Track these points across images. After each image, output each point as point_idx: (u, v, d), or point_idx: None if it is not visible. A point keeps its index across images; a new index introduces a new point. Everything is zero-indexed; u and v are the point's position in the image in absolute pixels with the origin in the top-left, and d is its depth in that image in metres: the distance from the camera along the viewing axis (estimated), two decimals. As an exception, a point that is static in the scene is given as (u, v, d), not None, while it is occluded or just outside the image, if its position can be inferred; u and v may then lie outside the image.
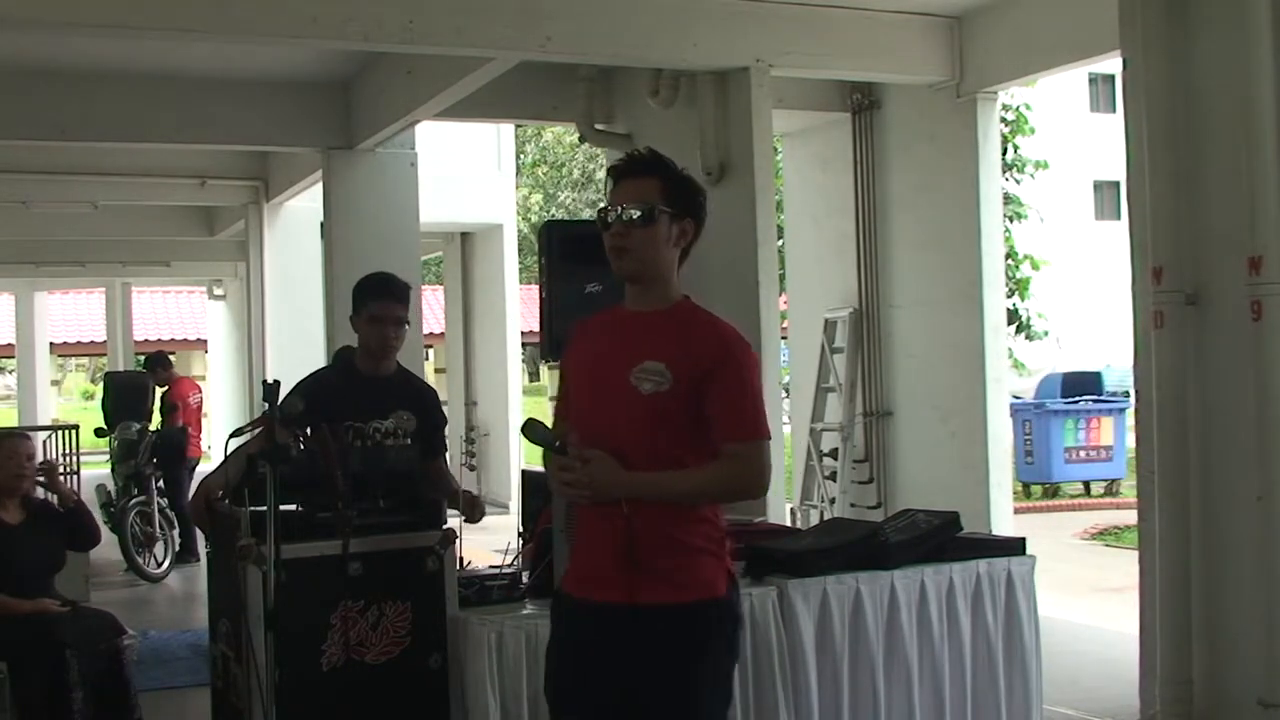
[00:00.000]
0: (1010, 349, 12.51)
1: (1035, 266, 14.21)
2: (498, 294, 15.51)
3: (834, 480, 8.75)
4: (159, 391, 11.87)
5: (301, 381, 4.71)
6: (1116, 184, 27.82)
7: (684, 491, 3.17)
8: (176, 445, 11.28)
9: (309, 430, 3.89)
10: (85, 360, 39.55)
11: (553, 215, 28.77)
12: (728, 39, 7.07)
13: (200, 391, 12.55)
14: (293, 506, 3.78)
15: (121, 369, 18.59)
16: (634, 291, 3.26)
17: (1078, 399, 15.99)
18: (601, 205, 3.27)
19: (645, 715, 3.16)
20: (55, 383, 32.46)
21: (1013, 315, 13.49)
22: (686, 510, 3.17)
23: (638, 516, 3.09)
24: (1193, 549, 4.84)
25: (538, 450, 3.37)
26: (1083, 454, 15.58)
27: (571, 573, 3.33)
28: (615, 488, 3.10)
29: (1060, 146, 21.71)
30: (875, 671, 4.46)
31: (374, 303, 4.56)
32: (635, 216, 3.15)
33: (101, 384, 14.63)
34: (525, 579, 4.36)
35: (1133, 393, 5.28)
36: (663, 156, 3.31)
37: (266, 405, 3.66)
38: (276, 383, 3.80)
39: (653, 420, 3.12)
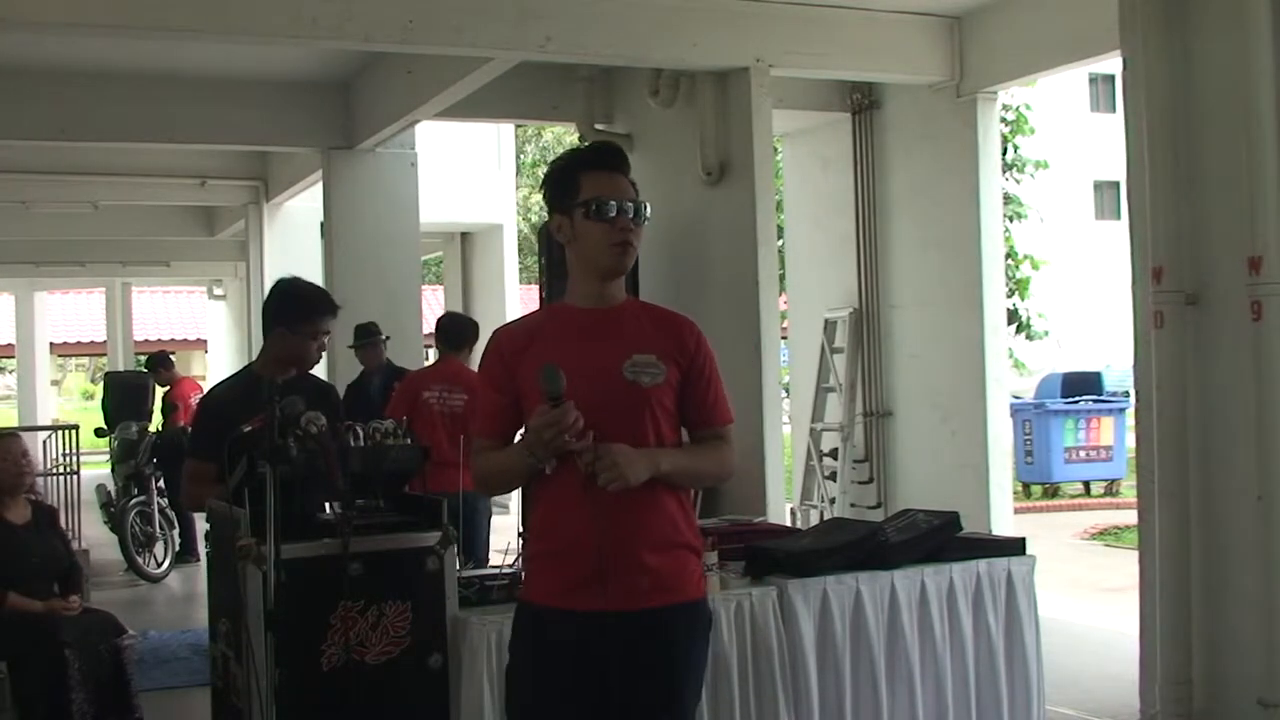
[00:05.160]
0: (1010, 349, 12.51)
1: (1035, 266, 14.20)
2: (498, 294, 15.50)
3: (834, 480, 8.75)
4: (160, 391, 11.88)
5: (207, 395, 4.62)
6: (1116, 184, 27.82)
7: (700, 469, 3.17)
8: (177, 445, 11.22)
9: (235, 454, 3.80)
10: (85, 360, 39.52)
11: (553, 215, 28.69)
12: (728, 39, 7.08)
13: (202, 391, 12.53)
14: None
15: (121, 369, 18.58)
16: (600, 289, 3.13)
17: (1078, 399, 15.97)
18: (597, 197, 3.06)
19: None
20: (55, 383, 32.46)
21: (1013, 315, 13.48)
22: (671, 503, 3.08)
23: (620, 513, 2.99)
24: (1193, 549, 4.84)
25: None
26: (1083, 454, 15.56)
27: (542, 581, 3.12)
28: (643, 466, 2.97)
29: (1060, 146, 21.71)
30: (876, 672, 4.46)
31: (325, 319, 4.38)
32: (649, 212, 3.11)
33: (101, 384, 14.63)
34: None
35: (1133, 393, 5.28)
36: None
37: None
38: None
39: (654, 412, 3.07)
